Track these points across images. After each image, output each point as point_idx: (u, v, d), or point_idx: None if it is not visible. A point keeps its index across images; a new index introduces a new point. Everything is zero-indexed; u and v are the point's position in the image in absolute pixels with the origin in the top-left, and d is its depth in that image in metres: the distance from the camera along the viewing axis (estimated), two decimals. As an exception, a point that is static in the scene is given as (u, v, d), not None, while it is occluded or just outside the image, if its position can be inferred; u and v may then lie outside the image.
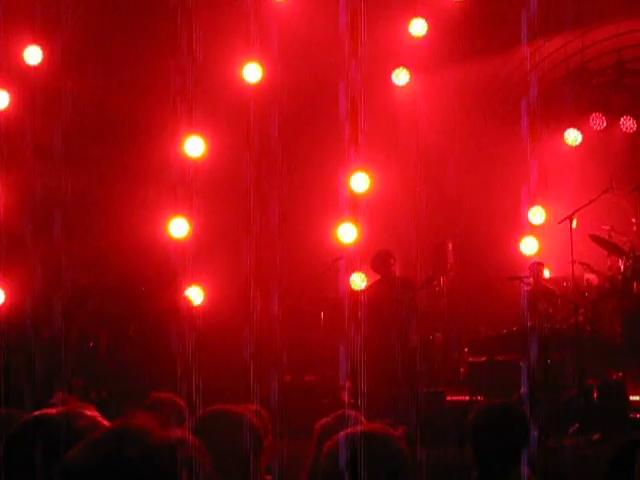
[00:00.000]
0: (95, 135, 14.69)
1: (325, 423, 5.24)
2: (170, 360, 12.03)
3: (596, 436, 10.18)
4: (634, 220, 12.91)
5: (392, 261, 13.14)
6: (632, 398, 11.44)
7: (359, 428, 3.95)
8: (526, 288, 13.44)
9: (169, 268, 13.65)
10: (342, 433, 3.83)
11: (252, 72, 14.89)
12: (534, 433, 7.67)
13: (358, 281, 14.07)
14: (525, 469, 4.86)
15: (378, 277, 13.21)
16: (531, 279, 13.46)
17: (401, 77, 15.69)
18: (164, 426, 2.46)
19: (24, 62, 14.53)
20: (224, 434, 3.95)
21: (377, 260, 13.22)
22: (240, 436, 3.93)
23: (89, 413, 3.15)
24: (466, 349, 13.52)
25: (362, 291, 13.57)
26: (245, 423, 3.99)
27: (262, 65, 14.90)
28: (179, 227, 14.56)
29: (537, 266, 13.75)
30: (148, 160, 14.50)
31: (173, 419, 5.97)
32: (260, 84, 14.95)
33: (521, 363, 11.80)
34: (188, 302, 13.46)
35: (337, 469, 3.64)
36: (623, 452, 4.03)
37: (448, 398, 11.88)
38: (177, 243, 14.44)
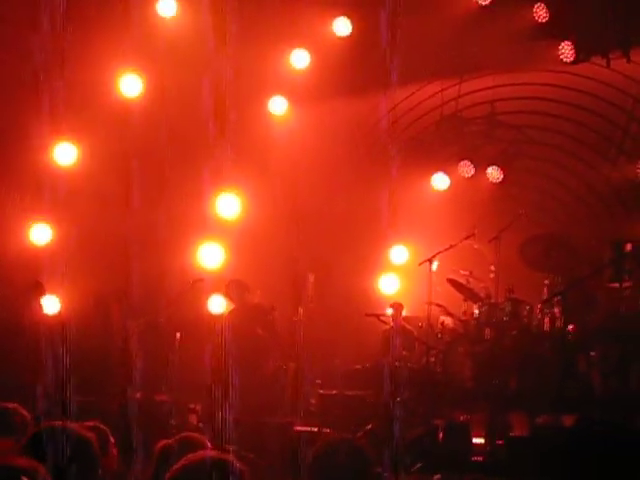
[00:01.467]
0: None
1: (166, 444, 5.20)
2: (19, 369, 11.79)
3: (437, 477, 10.34)
4: (492, 268, 13.22)
5: (245, 290, 13.20)
6: (475, 441, 11.67)
7: (206, 453, 3.94)
8: (385, 327, 13.66)
9: (32, 273, 13.39)
10: (189, 457, 3.83)
11: (130, 84, 14.74)
12: (378, 470, 7.76)
13: (216, 305, 14.04)
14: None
15: (233, 305, 13.25)
16: (389, 318, 13.69)
17: (278, 106, 15.79)
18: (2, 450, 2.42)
19: None
20: (57, 449, 3.91)
21: (229, 290, 13.27)
22: (75, 450, 3.91)
23: None
24: (318, 381, 13.60)
25: (219, 317, 13.54)
26: (78, 438, 3.98)
27: (141, 77, 14.77)
28: (41, 233, 14.30)
29: (396, 306, 13.99)
30: (13, 165, 14.20)
31: (15, 429, 5.87)
32: (138, 97, 14.82)
33: (371, 399, 11.97)
34: (41, 310, 13.17)
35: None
36: None
37: (297, 428, 11.90)
38: (37, 249, 14.18)
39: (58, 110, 13.49)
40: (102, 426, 5.26)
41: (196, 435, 5.33)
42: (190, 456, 3.87)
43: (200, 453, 3.99)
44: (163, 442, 5.28)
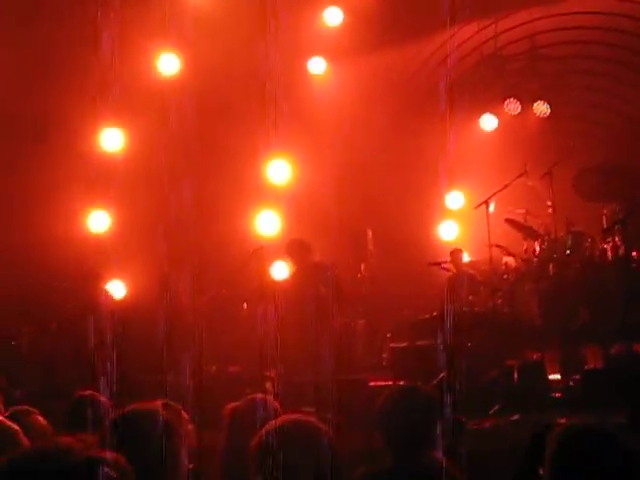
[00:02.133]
0: (11, 130, 14.43)
1: (235, 407, 5.24)
2: (93, 356, 11.98)
3: (516, 416, 10.37)
4: (549, 203, 13.11)
5: (306, 249, 13.15)
6: (551, 377, 11.67)
7: (285, 418, 3.99)
8: (447, 274, 13.66)
9: (90, 262, 13.56)
10: (270, 425, 3.88)
11: (168, 63, 14.80)
12: (452, 415, 7.80)
13: (279, 271, 14.13)
14: (438, 453, 4.90)
15: (295, 266, 13.25)
16: (451, 265, 13.69)
17: (317, 66, 15.77)
18: (87, 445, 2.48)
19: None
20: (139, 433, 3.97)
21: (290, 249, 13.22)
22: (154, 432, 3.96)
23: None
24: (388, 335, 13.64)
25: (283, 281, 13.63)
26: (157, 418, 4.03)
27: (179, 55, 14.82)
28: (99, 220, 14.47)
29: (457, 252, 13.99)
30: (66, 153, 14.34)
31: (96, 418, 5.99)
32: (177, 74, 14.88)
33: (442, 347, 11.99)
34: (109, 296, 13.35)
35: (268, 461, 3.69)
36: (536, 440, 4.14)
37: (371, 384, 11.97)
38: (97, 237, 14.35)
39: (102, 96, 13.61)
40: (173, 403, 5.30)
41: (263, 396, 5.36)
42: (279, 419, 3.90)
43: (287, 417, 4.02)
44: (232, 405, 5.32)
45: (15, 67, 14.21)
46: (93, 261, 13.47)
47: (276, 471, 3.66)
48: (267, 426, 3.94)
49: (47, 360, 13.01)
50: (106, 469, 2.14)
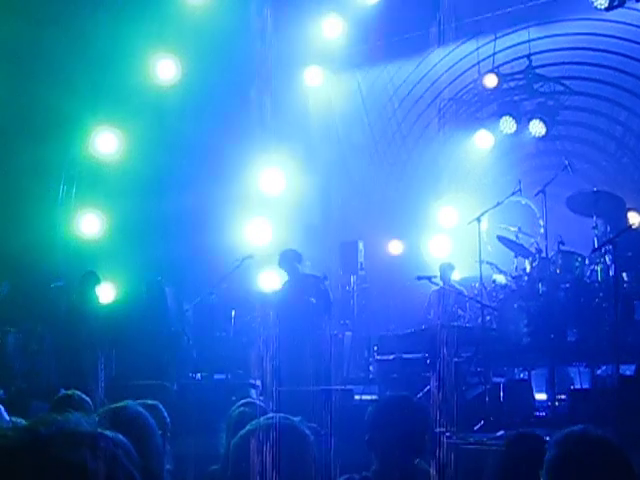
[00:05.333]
0: (4, 130, 14.34)
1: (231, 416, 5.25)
2: (80, 357, 11.95)
3: (500, 433, 10.32)
4: (541, 222, 13.09)
5: (298, 260, 13.11)
6: (537, 396, 11.64)
7: (268, 420, 3.96)
8: (434, 288, 13.66)
9: (81, 265, 13.52)
10: (250, 425, 3.85)
11: (166, 68, 14.78)
12: (438, 429, 7.77)
13: (269, 280, 14.12)
14: (423, 463, 4.88)
15: (287, 277, 13.20)
16: (439, 279, 13.68)
17: (314, 77, 15.78)
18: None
19: None
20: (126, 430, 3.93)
21: (283, 260, 13.16)
22: (142, 430, 3.95)
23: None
24: (375, 347, 13.61)
25: (274, 291, 13.58)
26: (143, 418, 4.01)
27: (176, 61, 14.80)
28: (91, 223, 14.43)
29: (447, 267, 14.00)
30: (60, 156, 14.31)
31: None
32: (175, 81, 14.85)
33: (428, 361, 11.97)
34: (100, 299, 13.30)
35: (246, 460, 3.65)
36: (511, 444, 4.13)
37: (356, 397, 11.93)
38: (89, 239, 14.31)
39: (99, 99, 13.61)
40: (161, 407, 5.29)
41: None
42: (256, 421, 3.87)
43: (269, 417, 3.98)
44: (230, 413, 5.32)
45: (14, 71, 14.11)
46: (86, 262, 13.44)
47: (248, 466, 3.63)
48: (252, 424, 3.90)
49: (33, 360, 12.95)
50: (112, 445, 2.12)
